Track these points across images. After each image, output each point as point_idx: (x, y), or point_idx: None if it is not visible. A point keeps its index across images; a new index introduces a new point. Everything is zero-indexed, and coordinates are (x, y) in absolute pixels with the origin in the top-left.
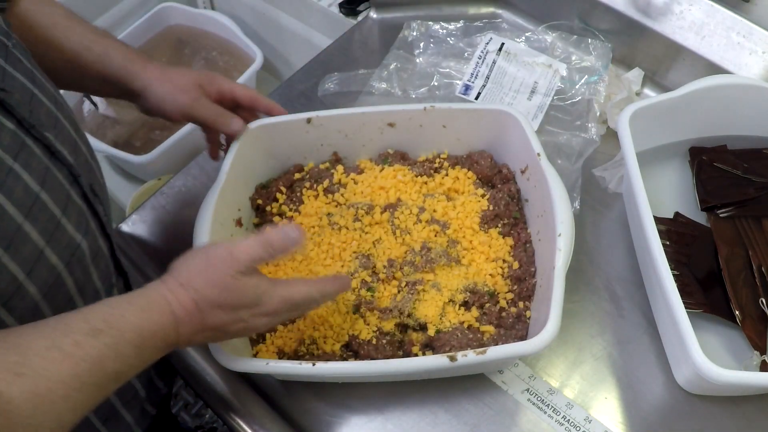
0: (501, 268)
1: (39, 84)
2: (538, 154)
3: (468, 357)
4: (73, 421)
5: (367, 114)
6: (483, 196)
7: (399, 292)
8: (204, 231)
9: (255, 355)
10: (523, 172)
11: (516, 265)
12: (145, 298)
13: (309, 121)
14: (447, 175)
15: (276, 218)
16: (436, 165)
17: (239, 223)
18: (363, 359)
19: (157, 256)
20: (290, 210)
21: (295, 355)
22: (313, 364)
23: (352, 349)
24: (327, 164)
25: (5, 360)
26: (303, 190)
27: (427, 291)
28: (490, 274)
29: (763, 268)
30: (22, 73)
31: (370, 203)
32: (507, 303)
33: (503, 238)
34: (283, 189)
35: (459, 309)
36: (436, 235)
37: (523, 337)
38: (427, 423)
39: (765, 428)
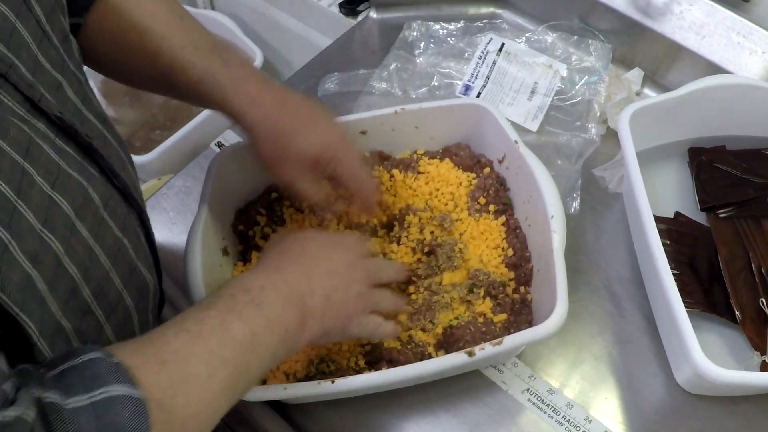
0: (500, 256)
1: (108, 125)
2: (516, 142)
3: (486, 350)
4: (225, 407)
5: (346, 123)
6: (471, 179)
7: (416, 295)
8: (195, 265)
9: (264, 383)
10: (500, 161)
11: (510, 251)
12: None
13: None
14: (429, 165)
15: (261, 241)
16: (414, 162)
17: (225, 252)
18: (393, 366)
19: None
20: (273, 231)
21: (306, 378)
22: (332, 381)
23: (382, 358)
24: None
25: (143, 352)
26: (283, 209)
27: (448, 291)
28: (494, 265)
29: (762, 269)
30: (94, 114)
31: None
32: (511, 290)
33: (498, 225)
34: (263, 211)
35: (474, 302)
36: (436, 232)
37: (531, 323)
38: (427, 423)
39: (765, 428)
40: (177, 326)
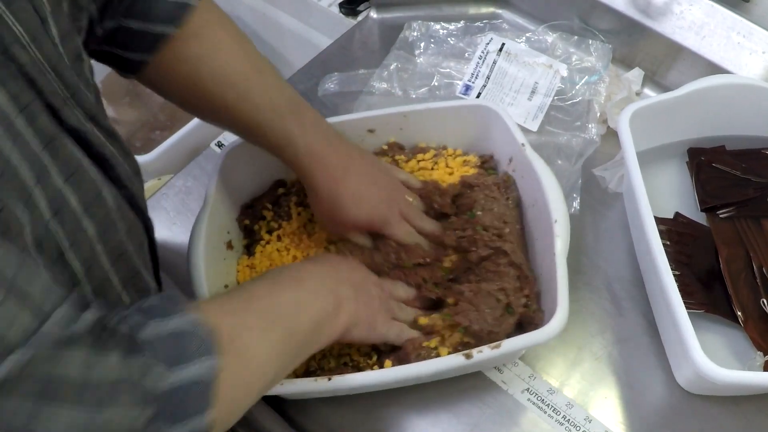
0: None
1: (115, 139)
2: (523, 145)
3: (484, 353)
4: (281, 363)
5: (346, 122)
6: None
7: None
8: (198, 258)
9: None
10: (509, 163)
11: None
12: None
13: None
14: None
15: (266, 236)
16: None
17: (230, 245)
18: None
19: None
20: (278, 227)
21: (307, 373)
22: (329, 379)
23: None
24: None
25: (208, 305)
26: (291, 205)
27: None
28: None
29: (764, 269)
30: (103, 129)
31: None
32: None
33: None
34: (269, 206)
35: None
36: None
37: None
38: (427, 423)
39: (765, 428)
40: (231, 295)
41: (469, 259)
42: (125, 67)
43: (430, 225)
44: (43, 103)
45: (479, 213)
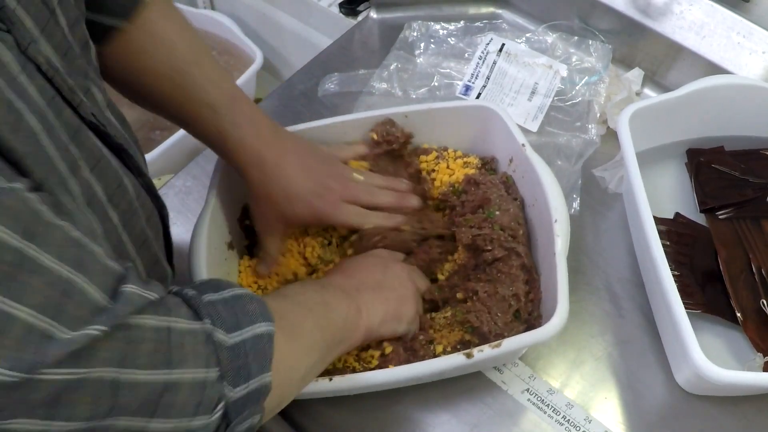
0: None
1: (127, 126)
2: (523, 145)
3: (484, 352)
4: (318, 353)
5: (347, 122)
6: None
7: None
8: (201, 258)
9: None
10: (509, 163)
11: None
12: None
13: None
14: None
15: None
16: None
17: (231, 245)
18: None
19: None
20: None
21: None
22: (330, 379)
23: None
24: None
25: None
26: None
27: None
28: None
29: (763, 270)
30: (117, 116)
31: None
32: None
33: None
34: None
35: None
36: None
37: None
38: (427, 423)
39: (765, 428)
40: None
41: (483, 259)
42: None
43: (385, 197)
44: (62, 101)
45: (497, 213)
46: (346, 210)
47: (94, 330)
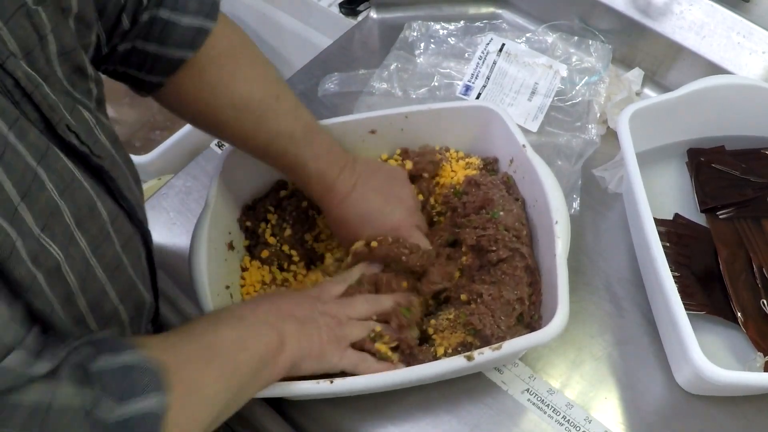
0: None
1: (117, 145)
2: (524, 146)
3: (485, 354)
4: (224, 398)
5: (347, 122)
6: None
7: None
8: (201, 258)
9: None
10: (510, 164)
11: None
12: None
13: None
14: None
15: (271, 239)
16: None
17: (231, 246)
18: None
19: (157, 256)
20: (281, 230)
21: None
22: (331, 382)
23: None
24: None
25: (151, 344)
26: (295, 208)
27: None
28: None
29: (764, 270)
30: (106, 134)
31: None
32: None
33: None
34: (272, 209)
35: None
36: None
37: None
38: (427, 423)
39: (765, 428)
40: (173, 331)
41: (487, 259)
42: (141, 87)
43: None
44: (39, 117)
45: (501, 213)
46: (420, 235)
47: None
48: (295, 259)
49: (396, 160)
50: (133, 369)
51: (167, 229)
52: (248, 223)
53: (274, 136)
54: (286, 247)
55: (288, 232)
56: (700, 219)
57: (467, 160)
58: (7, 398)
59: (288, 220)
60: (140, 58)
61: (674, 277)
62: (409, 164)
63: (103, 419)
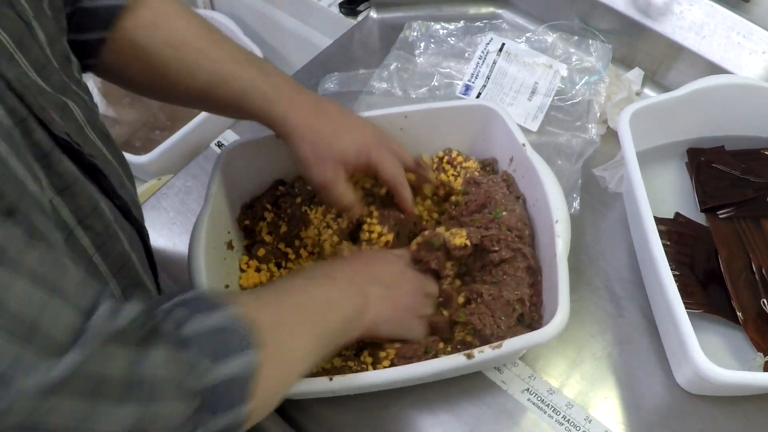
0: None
1: (109, 142)
2: (523, 145)
3: (485, 353)
4: (315, 353)
5: None
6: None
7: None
8: (199, 257)
9: None
10: (510, 163)
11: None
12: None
13: None
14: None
15: (267, 237)
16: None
17: (230, 245)
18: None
19: (157, 256)
20: (278, 228)
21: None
22: (330, 379)
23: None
24: None
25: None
26: (292, 205)
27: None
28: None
29: (763, 269)
30: (98, 132)
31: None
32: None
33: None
34: (269, 207)
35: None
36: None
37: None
38: (427, 423)
39: (765, 428)
40: (268, 289)
41: (489, 260)
42: (86, 53)
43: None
44: (35, 119)
45: (504, 213)
46: (393, 157)
47: (66, 363)
48: (291, 256)
49: None
50: (226, 330)
51: (167, 229)
52: (246, 222)
53: (220, 63)
54: (282, 245)
55: (284, 228)
56: (700, 219)
57: (465, 164)
58: (103, 366)
59: (284, 217)
60: (79, 17)
61: (674, 276)
62: (411, 176)
63: (197, 383)
